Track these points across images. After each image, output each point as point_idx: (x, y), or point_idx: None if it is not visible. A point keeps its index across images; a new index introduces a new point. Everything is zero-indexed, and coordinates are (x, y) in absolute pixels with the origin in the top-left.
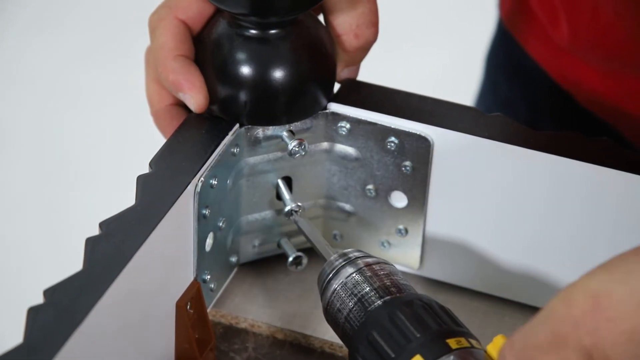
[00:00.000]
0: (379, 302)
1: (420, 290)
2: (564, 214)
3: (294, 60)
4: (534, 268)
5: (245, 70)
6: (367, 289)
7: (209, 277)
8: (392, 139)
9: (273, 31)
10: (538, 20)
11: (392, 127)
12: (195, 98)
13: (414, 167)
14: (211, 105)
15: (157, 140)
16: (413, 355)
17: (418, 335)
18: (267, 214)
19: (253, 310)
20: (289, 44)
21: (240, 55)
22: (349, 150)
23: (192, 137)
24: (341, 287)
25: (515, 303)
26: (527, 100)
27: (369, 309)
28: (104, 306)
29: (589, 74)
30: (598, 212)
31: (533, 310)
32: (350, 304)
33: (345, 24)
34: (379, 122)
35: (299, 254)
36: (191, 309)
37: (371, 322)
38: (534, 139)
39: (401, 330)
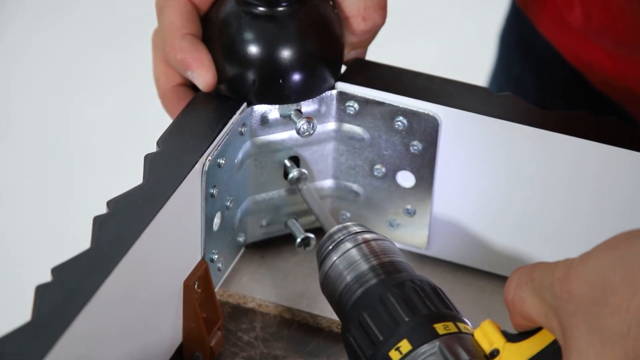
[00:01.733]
0: (373, 281)
1: (427, 270)
2: (573, 193)
3: (302, 38)
4: (542, 247)
5: (254, 48)
6: (363, 266)
7: (216, 256)
8: (400, 118)
9: (281, 9)
10: (552, 0)
11: (400, 106)
12: (204, 76)
13: (422, 146)
14: (219, 84)
15: (162, 124)
16: (401, 339)
17: (407, 319)
18: (275, 193)
19: (260, 290)
20: (297, 22)
21: (248, 34)
22: (357, 129)
23: (200, 115)
24: (339, 261)
25: None
26: (539, 81)
27: (363, 287)
28: (112, 284)
29: (601, 56)
30: (608, 190)
31: None
32: (347, 279)
33: (353, 6)
34: (387, 102)
35: (308, 234)
36: (199, 289)
37: (363, 302)
38: (543, 119)
39: (390, 314)
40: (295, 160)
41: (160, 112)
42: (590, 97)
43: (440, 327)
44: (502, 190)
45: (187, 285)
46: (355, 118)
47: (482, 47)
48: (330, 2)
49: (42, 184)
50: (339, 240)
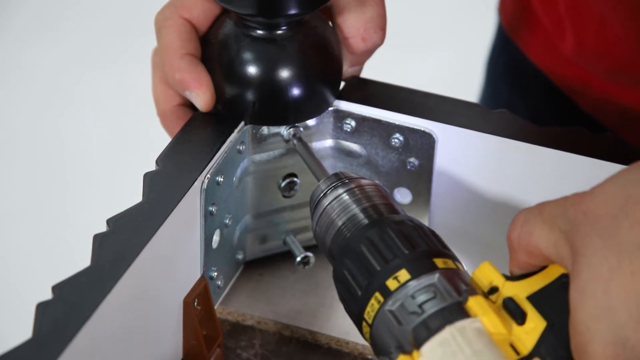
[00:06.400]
0: (367, 220)
1: None
2: None
3: (301, 60)
4: None
5: (253, 70)
6: (357, 208)
7: (216, 274)
8: (397, 135)
9: (280, 31)
10: (542, 26)
11: (397, 123)
12: (202, 96)
13: (418, 163)
14: (217, 104)
15: (160, 140)
16: (399, 269)
17: (406, 252)
18: (273, 211)
19: (259, 307)
20: (296, 44)
21: (248, 56)
22: (354, 147)
23: (198, 134)
24: (330, 206)
25: None
26: (528, 106)
27: (360, 224)
28: (112, 302)
29: (593, 83)
30: None
31: None
32: (339, 222)
33: (353, 27)
34: (384, 119)
35: (307, 253)
36: (198, 306)
37: (359, 237)
38: (538, 135)
39: (389, 246)
40: (293, 177)
41: (160, 130)
42: (582, 124)
43: (439, 262)
44: (498, 206)
45: (187, 302)
46: (352, 135)
47: (472, 71)
48: (329, 23)
49: (41, 203)
50: (331, 186)
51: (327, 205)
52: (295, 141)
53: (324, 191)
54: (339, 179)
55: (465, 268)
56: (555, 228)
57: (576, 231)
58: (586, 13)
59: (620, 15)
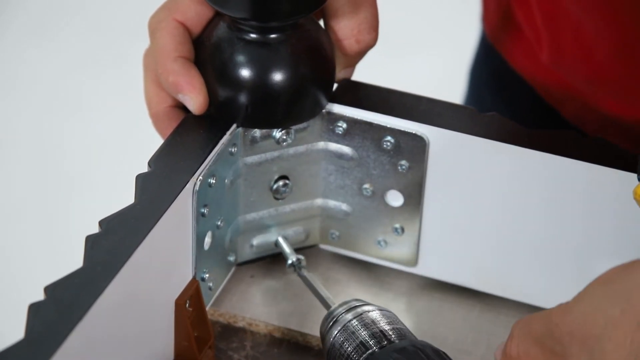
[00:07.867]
0: (375, 348)
1: (415, 288)
2: (560, 212)
3: (294, 64)
4: (530, 266)
5: (246, 73)
6: (363, 336)
7: (207, 275)
8: (388, 138)
9: (273, 35)
10: (524, 35)
11: (388, 126)
12: (195, 99)
13: (409, 166)
14: (210, 106)
15: (154, 143)
16: None
17: None
18: (265, 213)
19: (251, 309)
20: (289, 48)
21: (241, 59)
22: (345, 149)
23: (191, 136)
24: (340, 333)
25: (511, 301)
26: (512, 115)
27: (365, 355)
28: (104, 303)
29: (573, 91)
30: (595, 210)
31: (528, 308)
32: (349, 349)
33: (346, 28)
34: (375, 122)
35: (299, 256)
36: (190, 307)
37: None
38: (529, 138)
39: None
40: (285, 180)
41: (152, 131)
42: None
43: None
44: (489, 208)
45: (179, 303)
46: (343, 138)
47: (457, 77)
48: (322, 25)
49: (34, 204)
50: (339, 314)
51: (336, 334)
52: (299, 272)
53: (333, 320)
54: (346, 306)
55: (456, 270)
56: (546, 348)
57: (566, 352)
58: (562, 20)
59: (594, 21)
